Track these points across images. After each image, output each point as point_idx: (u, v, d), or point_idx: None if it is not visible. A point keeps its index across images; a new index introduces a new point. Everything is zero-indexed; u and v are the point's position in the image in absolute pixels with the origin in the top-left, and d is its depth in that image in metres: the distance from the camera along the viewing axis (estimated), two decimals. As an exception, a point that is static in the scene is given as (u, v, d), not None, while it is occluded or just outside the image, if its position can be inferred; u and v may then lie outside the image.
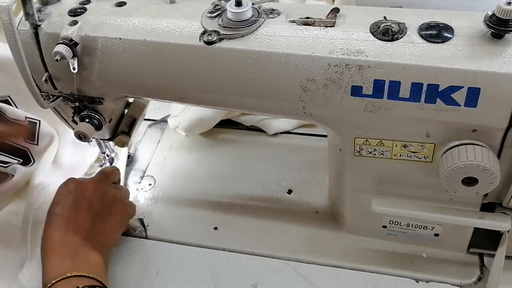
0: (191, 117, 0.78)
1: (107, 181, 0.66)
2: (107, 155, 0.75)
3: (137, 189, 0.74)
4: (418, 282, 0.59)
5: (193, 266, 0.63)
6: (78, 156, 0.76)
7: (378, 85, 0.46)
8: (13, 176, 0.69)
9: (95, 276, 0.55)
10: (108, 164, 0.75)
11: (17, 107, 0.70)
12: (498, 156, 0.48)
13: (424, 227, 0.59)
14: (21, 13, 0.53)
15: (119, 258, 0.64)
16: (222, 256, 0.64)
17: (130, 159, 0.78)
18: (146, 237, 0.67)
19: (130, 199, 0.71)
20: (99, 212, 0.61)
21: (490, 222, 0.53)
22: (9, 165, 0.68)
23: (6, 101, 0.70)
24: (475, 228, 0.58)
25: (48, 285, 0.53)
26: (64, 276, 0.53)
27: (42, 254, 0.57)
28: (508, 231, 0.54)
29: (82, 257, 0.56)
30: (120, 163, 0.75)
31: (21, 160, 0.70)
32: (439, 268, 0.60)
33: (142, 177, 0.76)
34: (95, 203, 0.61)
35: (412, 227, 0.60)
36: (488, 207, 0.55)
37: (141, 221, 0.69)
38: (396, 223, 0.60)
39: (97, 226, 0.60)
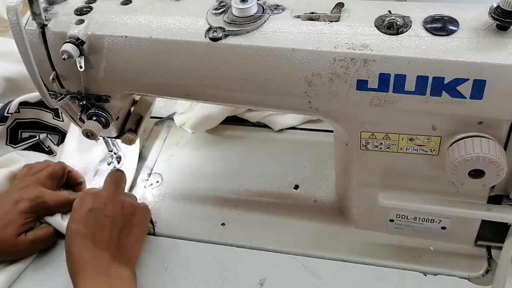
0: (197, 114, 0.78)
1: (120, 189, 0.65)
2: (115, 153, 0.75)
3: (145, 186, 0.75)
4: (425, 275, 0.59)
5: (201, 262, 0.63)
6: (85, 156, 0.77)
7: (384, 79, 0.46)
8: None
9: None
10: (115, 163, 0.76)
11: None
12: (505, 148, 0.48)
13: (431, 220, 0.59)
14: (28, 12, 0.54)
15: (128, 255, 0.65)
16: (230, 252, 0.64)
17: (137, 157, 0.79)
18: (154, 234, 0.67)
19: (138, 197, 0.72)
20: (123, 227, 0.60)
21: (498, 214, 0.53)
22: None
23: None
24: (482, 221, 0.58)
25: None
26: None
27: (72, 273, 0.56)
28: (515, 223, 0.55)
29: (114, 274, 0.56)
30: (132, 160, 0.76)
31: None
32: (447, 261, 0.60)
33: (149, 175, 0.76)
34: (117, 217, 0.60)
35: (419, 220, 0.60)
36: (495, 199, 0.55)
37: (149, 218, 0.69)
38: (403, 216, 0.60)
39: (123, 241, 0.59)
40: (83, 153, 0.76)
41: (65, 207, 0.65)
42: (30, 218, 0.63)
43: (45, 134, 0.79)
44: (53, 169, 0.68)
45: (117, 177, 0.66)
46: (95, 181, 0.74)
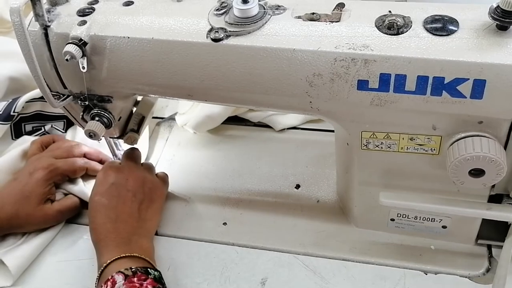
0: (199, 114, 0.79)
1: (139, 165, 0.68)
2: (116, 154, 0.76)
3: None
4: (426, 274, 0.59)
5: (203, 261, 0.64)
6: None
7: (384, 79, 0.47)
8: None
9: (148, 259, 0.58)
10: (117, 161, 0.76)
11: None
12: (505, 147, 0.49)
13: (432, 220, 0.60)
14: (31, 13, 0.54)
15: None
16: (231, 251, 0.64)
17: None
18: (157, 234, 0.68)
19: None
20: (143, 200, 0.64)
21: (498, 213, 0.53)
22: None
23: None
24: (483, 220, 0.58)
25: (104, 265, 0.56)
26: (118, 256, 0.56)
27: (95, 242, 0.60)
28: (516, 222, 0.55)
29: (134, 244, 0.59)
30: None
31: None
32: (448, 260, 0.60)
33: (151, 174, 0.77)
34: (138, 192, 0.64)
35: (420, 219, 0.60)
36: (496, 198, 0.55)
37: (151, 217, 0.70)
38: (404, 216, 0.60)
39: (143, 214, 0.63)
40: None
41: (79, 172, 0.70)
42: (48, 186, 0.66)
43: (50, 124, 0.80)
44: (65, 142, 0.73)
45: (134, 154, 0.69)
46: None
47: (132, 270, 0.55)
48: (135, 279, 0.54)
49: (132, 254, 0.57)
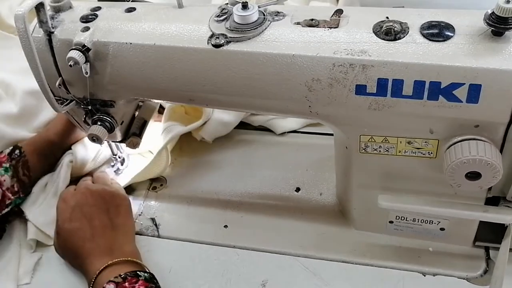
0: (211, 123, 0.79)
1: (90, 182, 0.71)
2: (119, 157, 0.77)
3: (149, 190, 0.76)
4: (425, 275, 0.60)
5: (204, 263, 0.64)
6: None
7: (382, 84, 0.48)
8: None
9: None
10: (119, 165, 0.77)
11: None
12: (501, 150, 0.49)
13: (430, 222, 0.60)
14: (35, 20, 0.55)
15: (132, 257, 0.66)
16: (232, 253, 0.65)
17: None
18: (158, 236, 0.68)
19: (141, 201, 0.73)
20: (109, 209, 0.65)
21: (494, 215, 0.54)
22: None
23: None
24: (480, 222, 0.59)
25: (94, 277, 0.57)
26: (106, 265, 0.57)
27: (79, 265, 0.61)
28: (512, 224, 0.56)
29: (118, 252, 0.60)
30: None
31: None
32: (446, 262, 0.61)
33: (153, 178, 0.77)
34: (101, 203, 0.65)
35: (418, 222, 0.61)
36: (493, 201, 0.56)
37: (153, 220, 0.71)
38: (403, 218, 0.61)
39: (115, 221, 0.64)
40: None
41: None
42: None
43: None
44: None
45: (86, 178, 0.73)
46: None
47: (122, 276, 0.55)
48: (127, 283, 0.55)
49: (119, 259, 0.58)
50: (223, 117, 0.79)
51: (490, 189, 0.54)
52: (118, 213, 0.65)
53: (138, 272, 0.57)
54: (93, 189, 0.67)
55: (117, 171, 0.77)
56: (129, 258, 0.59)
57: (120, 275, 0.55)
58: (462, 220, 0.58)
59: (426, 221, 0.60)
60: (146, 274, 0.57)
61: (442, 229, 0.61)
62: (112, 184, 0.72)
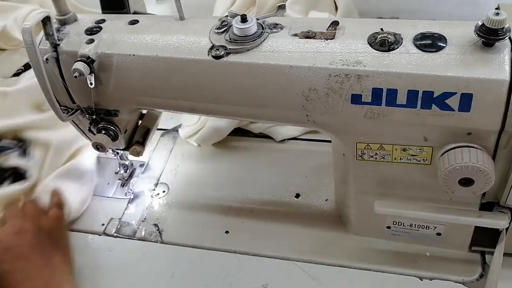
0: (205, 128, 0.80)
1: (21, 213, 0.65)
2: (123, 165, 0.78)
3: (152, 196, 0.77)
4: (422, 280, 0.61)
5: (206, 268, 0.66)
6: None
7: (376, 93, 0.49)
8: None
9: None
10: (122, 172, 0.79)
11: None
12: (494, 157, 0.50)
13: (426, 227, 0.62)
14: (42, 33, 0.57)
15: (135, 262, 0.67)
16: (233, 258, 0.66)
17: (145, 167, 0.82)
18: (161, 242, 0.70)
19: (145, 206, 0.75)
20: (44, 248, 0.61)
21: (488, 221, 0.55)
22: None
23: None
24: (476, 227, 0.60)
25: None
26: None
27: None
28: (506, 228, 0.57)
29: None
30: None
31: None
32: (442, 266, 0.62)
33: (156, 185, 0.79)
34: (35, 243, 0.60)
35: (415, 227, 0.62)
36: (487, 206, 0.57)
37: (156, 226, 0.72)
38: (400, 223, 0.62)
39: (52, 259, 0.60)
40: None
41: None
42: None
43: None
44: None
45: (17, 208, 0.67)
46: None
47: None
48: None
49: None
50: (219, 124, 0.80)
51: (484, 194, 0.55)
52: (55, 250, 0.61)
53: None
54: (26, 228, 0.61)
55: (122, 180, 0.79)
56: None
57: None
58: (458, 225, 0.59)
59: (423, 227, 0.62)
60: None
61: (438, 234, 0.62)
62: (50, 213, 0.66)
